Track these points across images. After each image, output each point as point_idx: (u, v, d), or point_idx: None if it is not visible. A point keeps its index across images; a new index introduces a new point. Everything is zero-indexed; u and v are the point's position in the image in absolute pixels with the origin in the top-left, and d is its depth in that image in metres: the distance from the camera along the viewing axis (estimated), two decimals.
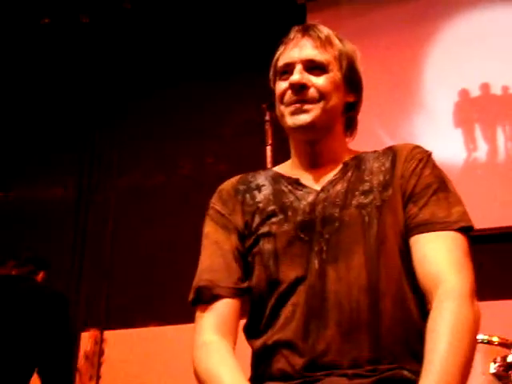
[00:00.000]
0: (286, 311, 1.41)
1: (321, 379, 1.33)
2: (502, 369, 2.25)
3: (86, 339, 4.54)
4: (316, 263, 1.41)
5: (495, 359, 2.26)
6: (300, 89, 1.49)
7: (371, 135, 3.61)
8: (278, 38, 1.60)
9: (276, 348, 1.40)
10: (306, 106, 1.48)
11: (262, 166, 3.39)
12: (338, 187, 1.49)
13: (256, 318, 1.48)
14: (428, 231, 1.39)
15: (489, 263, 3.41)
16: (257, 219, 1.51)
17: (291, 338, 1.39)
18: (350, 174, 1.52)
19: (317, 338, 1.36)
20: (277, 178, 1.57)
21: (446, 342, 1.23)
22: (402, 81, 4.07)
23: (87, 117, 4.99)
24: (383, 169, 1.50)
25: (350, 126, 1.61)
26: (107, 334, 4.46)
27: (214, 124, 4.44)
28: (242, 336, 1.51)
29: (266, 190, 1.55)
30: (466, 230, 1.40)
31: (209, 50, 4.71)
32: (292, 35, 1.56)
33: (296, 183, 1.53)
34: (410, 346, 1.36)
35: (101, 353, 4.41)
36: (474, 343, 1.26)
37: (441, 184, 1.46)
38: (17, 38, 5.05)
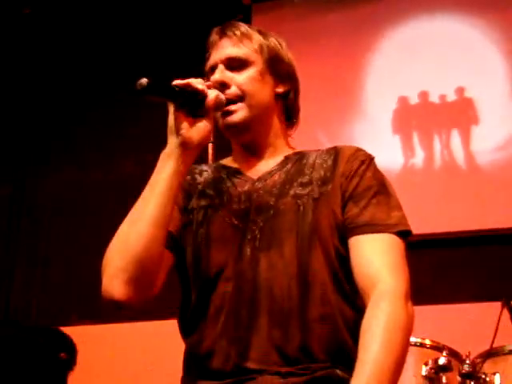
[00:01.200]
0: (216, 299, 1.41)
1: (254, 378, 1.33)
2: (433, 371, 2.29)
3: None
4: (248, 250, 1.42)
5: (427, 362, 2.31)
6: (221, 87, 1.48)
7: (312, 140, 3.63)
8: None
9: (207, 342, 1.39)
10: (232, 107, 1.49)
11: (204, 162, 3.38)
12: (276, 177, 1.51)
13: (186, 305, 1.47)
14: (367, 233, 1.41)
15: (424, 268, 3.47)
16: (194, 199, 1.52)
17: (222, 329, 1.38)
18: (289, 166, 1.53)
19: (249, 326, 1.36)
20: (218, 168, 1.59)
21: (378, 342, 1.24)
22: (343, 87, 4.11)
23: (20, 114, 4.87)
24: (325, 166, 1.51)
25: (290, 116, 1.62)
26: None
27: (154, 122, 4.39)
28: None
29: (206, 175, 1.57)
30: (404, 235, 1.42)
31: (151, 53, 4.66)
32: (211, 38, 1.59)
33: (235, 172, 1.55)
34: (340, 337, 1.37)
35: None
36: (406, 344, 1.28)
37: (381, 187, 1.48)
38: None
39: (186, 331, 1.47)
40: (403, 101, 4.00)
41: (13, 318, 4.52)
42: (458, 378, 2.30)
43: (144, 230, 1.35)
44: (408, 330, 1.30)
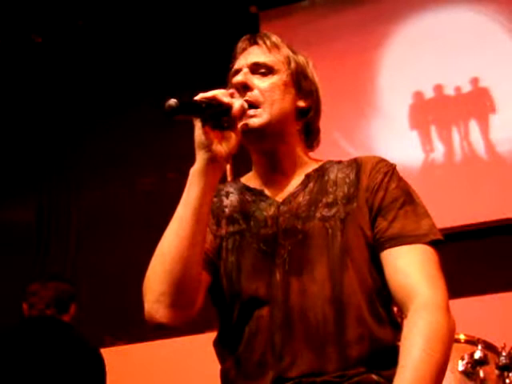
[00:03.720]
0: (251, 325, 1.40)
1: None
2: (469, 366, 2.27)
3: None
4: (278, 276, 1.40)
5: (463, 357, 2.28)
6: (243, 89, 1.47)
7: (328, 140, 3.61)
8: (232, 47, 1.60)
9: (243, 368, 1.39)
10: (253, 111, 1.46)
11: (222, 178, 3.39)
12: (300, 199, 1.48)
13: (223, 331, 1.47)
14: (399, 245, 1.39)
15: (451, 261, 3.44)
16: (222, 224, 1.51)
17: (257, 354, 1.38)
18: (311, 185, 1.50)
19: (283, 351, 1.36)
20: (242, 189, 1.56)
21: (420, 349, 1.24)
22: (357, 85, 4.11)
23: (45, 136, 4.93)
24: (347, 181, 1.49)
25: (310, 135, 1.59)
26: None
27: (173, 139, 4.42)
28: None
29: (233, 198, 1.54)
30: (436, 243, 1.41)
31: (164, 69, 4.69)
32: (240, 44, 1.57)
33: (259, 194, 1.52)
34: (378, 357, 1.36)
35: None
36: (447, 353, 1.28)
37: (407, 197, 1.46)
38: None
39: (222, 354, 1.47)
40: (418, 95, 3.98)
41: None
42: (496, 371, 2.27)
43: (182, 251, 1.35)
44: (449, 340, 1.29)
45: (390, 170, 1.50)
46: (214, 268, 1.47)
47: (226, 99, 1.38)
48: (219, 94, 1.38)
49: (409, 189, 1.49)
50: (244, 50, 1.55)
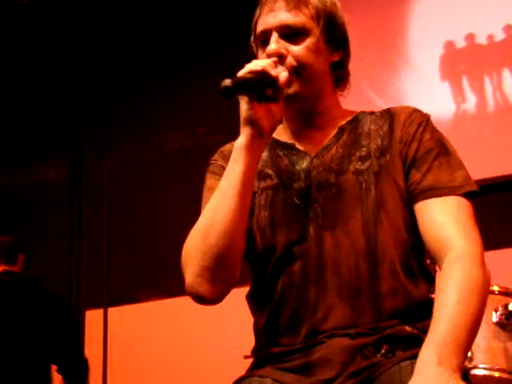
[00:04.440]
0: (285, 279, 1.41)
1: (324, 342, 1.35)
2: (503, 317, 2.28)
3: (91, 318, 4.58)
4: (312, 229, 1.41)
5: (497, 308, 2.29)
6: (277, 57, 1.42)
7: (358, 94, 3.59)
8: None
9: (277, 320, 1.41)
10: (290, 78, 1.41)
11: None
12: (333, 151, 1.48)
13: (256, 286, 1.49)
14: (433, 197, 1.39)
15: (484, 213, 3.42)
16: (254, 180, 1.49)
17: (291, 307, 1.39)
18: (345, 137, 1.49)
19: (316, 304, 1.37)
20: (272, 143, 1.55)
21: (454, 300, 1.24)
22: (386, 38, 4.04)
23: (74, 97, 4.96)
24: (381, 133, 1.48)
25: (341, 80, 1.56)
26: (111, 311, 4.50)
27: (202, 96, 4.41)
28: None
29: (263, 153, 1.51)
30: (471, 195, 1.41)
31: (192, 24, 4.66)
32: None
33: (291, 148, 1.52)
34: (411, 309, 1.37)
35: (106, 330, 4.45)
36: (482, 306, 1.28)
37: (442, 148, 1.45)
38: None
39: (255, 308, 1.49)
40: (449, 45, 3.91)
41: (84, 298, 4.67)
42: None
43: (227, 227, 1.34)
44: (484, 292, 1.29)
45: (424, 120, 1.48)
46: (249, 231, 1.47)
47: (274, 71, 1.36)
48: (267, 66, 1.35)
49: (443, 139, 1.48)
50: (269, 2, 1.49)
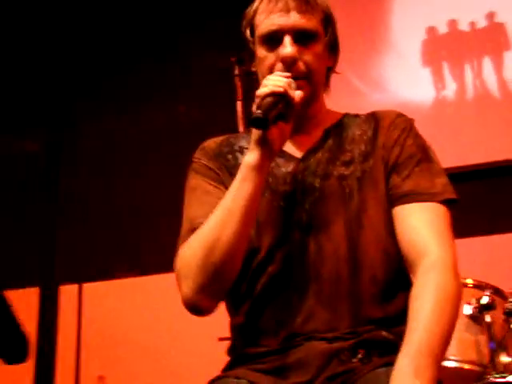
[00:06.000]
0: (264, 281, 1.42)
1: (301, 344, 1.36)
2: (476, 310, 2.31)
3: (65, 293, 4.56)
4: (295, 233, 1.41)
5: (469, 301, 2.32)
6: (292, 63, 1.42)
7: (340, 78, 3.56)
8: None
9: (255, 322, 1.42)
10: (298, 83, 1.41)
11: (233, 117, 3.38)
12: (319, 155, 1.48)
13: (236, 285, 1.49)
14: (412, 202, 1.40)
15: (461, 201, 3.44)
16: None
17: (270, 310, 1.40)
18: (330, 141, 1.50)
19: (296, 308, 1.38)
20: None
21: (429, 310, 1.25)
22: (369, 21, 4.02)
23: (54, 70, 4.87)
24: (365, 138, 1.49)
25: (328, 83, 1.57)
26: (86, 286, 4.48)
27: (184, 72, 4.37)
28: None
29: None
30: (450, 202, 1.41)
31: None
32: None
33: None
34: (389, 316, 1.38)
35: (80, 306, 4.43)
36: (456, 314, 1.29)
37: (424, 154, 1.46)
38: None
39: (232, 308, 1.49)
40: (432, 31, 3.90)
41: (59, 273, 4.64)
42: (503, 316, 2.31)
43: (232, 248, 1.34)
44: (457, 301, 1.30)
45: (408, 125, 1.49)
46: None
47: (292, 92, 1.34)
48: (286, 86, 1.33)
49: (425, 146, 1.48)
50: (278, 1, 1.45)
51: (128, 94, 4.68)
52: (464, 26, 3.85)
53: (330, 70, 1.55)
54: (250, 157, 1.36)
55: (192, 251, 1.38)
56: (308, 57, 1.44)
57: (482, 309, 2.29)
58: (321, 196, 1.43)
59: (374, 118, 1.52)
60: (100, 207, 4.60)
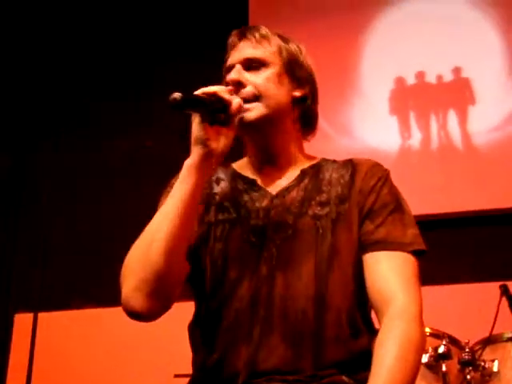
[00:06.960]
0: (231, 315, 1.42)
1: None
2: (432, 359, 2.33)
3: (19, 322, 4.47)
4: (264, 268, 1.43)
5: (427, 350, 2.35)
6: (237, 86, 1.49)
7: None
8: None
9: (218, 356, 1.41)
10: (247, 105, 1.48)
11: None
12: (294, 194, 1.51)
13: (200, 317, 1.49)
14: (382, 250, 1.43)
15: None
16: (211, 210, 1.52)
17: (234, 344, 1.40)
18: (306, 181, 1.53)
19: (260, 343, 1.38)
20: (234, 176, 1.57)
21: (392, 357, 1.27)
22: (340, 68, 4.09)
23: (22, 94, 4.85)
24: (342, 181, 1.52)
25: (307, 122, 1.61)
26: (42, 316, 4.40)
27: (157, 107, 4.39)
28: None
29: (224, 185, 1.55)
30: (419, 254, 1.44)
31: (155, 33, 4.63)
32: (230, 40, 1.59)
33: (252, 184, 1.54)
34: (351, 360, 1.40)
35: (34, 336, 4.35)
36: (419, 362, 1.32)
37: (397, 204, 1.50)
38: None
39: (195, 342, 1.49)
40: (400, 81, 3.99)
41: (14, 301, 4.56)
42: (458, 366, 2.34)
43: (167, 245, 1.36)
44: (421, 350, 1.33)
45: (384, 175, 1.53)
46: (195, 256, 1.47)
47: (227, 96, 1.39)
48: (221, 90, 1.39)
49: (399, 197, 1.52)
50: (234, 45, 1.57)
51: (92, 121, 4.67)
52: (431, 79, 3.95)
53: (303, 101, 1.59)
54: (190, 157, 1.40)
55: (132, 253, 1.41)
56: (256, 79, 1.51)
57: (439, 358, 2.33)
58: (293, 233, 1.45)
59: (352, 164, 1.56)
60: (59, 236, 4.54)
